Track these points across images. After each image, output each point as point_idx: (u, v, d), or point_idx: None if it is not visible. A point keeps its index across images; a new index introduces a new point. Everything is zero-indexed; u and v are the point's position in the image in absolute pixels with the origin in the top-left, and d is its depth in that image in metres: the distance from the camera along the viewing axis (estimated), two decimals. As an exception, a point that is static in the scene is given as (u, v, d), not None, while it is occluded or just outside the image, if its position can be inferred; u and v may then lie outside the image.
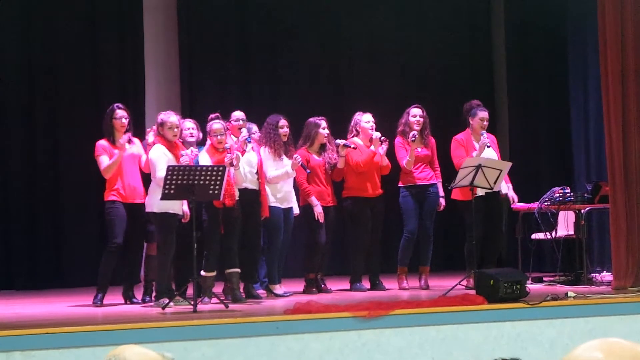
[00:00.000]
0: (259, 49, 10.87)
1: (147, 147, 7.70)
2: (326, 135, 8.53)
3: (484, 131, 8.41)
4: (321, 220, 8.33)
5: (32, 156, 9.94)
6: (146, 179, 7.67)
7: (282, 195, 8.25)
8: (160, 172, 7.26)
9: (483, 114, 8.48)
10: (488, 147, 8.29)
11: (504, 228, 8.55)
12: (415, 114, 8.65)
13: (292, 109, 9.23)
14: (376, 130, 8.59)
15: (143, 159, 7.71)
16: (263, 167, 8.10)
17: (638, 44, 7.66)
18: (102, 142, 7.67)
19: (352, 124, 8.70)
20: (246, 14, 10.86)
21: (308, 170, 8.33)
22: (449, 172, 8.58)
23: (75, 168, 9.71)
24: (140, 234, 7.77)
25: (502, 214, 8.49)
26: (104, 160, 7.60)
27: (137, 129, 8.20)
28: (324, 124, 8.54)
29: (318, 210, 8.33)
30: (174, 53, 10.63)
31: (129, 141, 7.71)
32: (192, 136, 7.94)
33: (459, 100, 9.11)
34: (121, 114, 7.70)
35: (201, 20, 10.72)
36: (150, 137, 7.70)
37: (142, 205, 7.58)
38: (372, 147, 8.54)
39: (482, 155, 8.21)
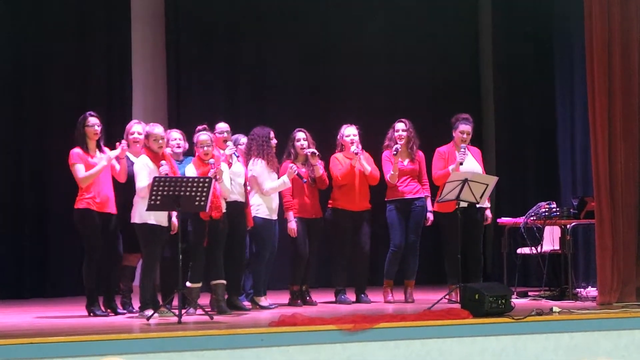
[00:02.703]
0: (246, 58, 10.87)
1: (119, 162, 7.65)
2: (303, 147, 8.51)
3: (464, 145, 8.42)
4: (292, 235, 8.36)
5: (18, 165, 9.90)
6: (118, 189, 7.64)
7: (275, 206, 8.26)
8: (140, 183, 7.27)
9: (464, 127, 8.45)
10: (461, 164, 8.30)
11: (481, 241, 8.56)
12: (398, 128, 8.69)
13: (279, 119, 9.24)
14: (361, 143, 8.61)
15: (117, 168, 7.65)
16: (259, 179, 8.11)
17: (625, 59, 7.68)
18: (77, 151, 7.54)
19: (338, 137, 8.72)
20: (234, 23, 10.88)
21: (304, 180, 8.33)
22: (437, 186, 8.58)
23: (61, 178, 9.64)
24: (113, 243, 7.65)
25: (480, 227, 8.50)
26: (80, 169, 7.48)
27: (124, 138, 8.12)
28: (299, 135, 8.52)
29: (291, 226, 8.35)
30: (161, 63, 10.64)
31: (101, 150, 7.63)
32: (179, 147, 7.96)
33: (445, 114, 9.11)
34: (94, 122, 7.60)
35: (188, 30, 10.73)
36: (118, 151, 7.58)
37: (114, 215, 7.55)
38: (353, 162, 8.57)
39: (465, 168, 8.23)
